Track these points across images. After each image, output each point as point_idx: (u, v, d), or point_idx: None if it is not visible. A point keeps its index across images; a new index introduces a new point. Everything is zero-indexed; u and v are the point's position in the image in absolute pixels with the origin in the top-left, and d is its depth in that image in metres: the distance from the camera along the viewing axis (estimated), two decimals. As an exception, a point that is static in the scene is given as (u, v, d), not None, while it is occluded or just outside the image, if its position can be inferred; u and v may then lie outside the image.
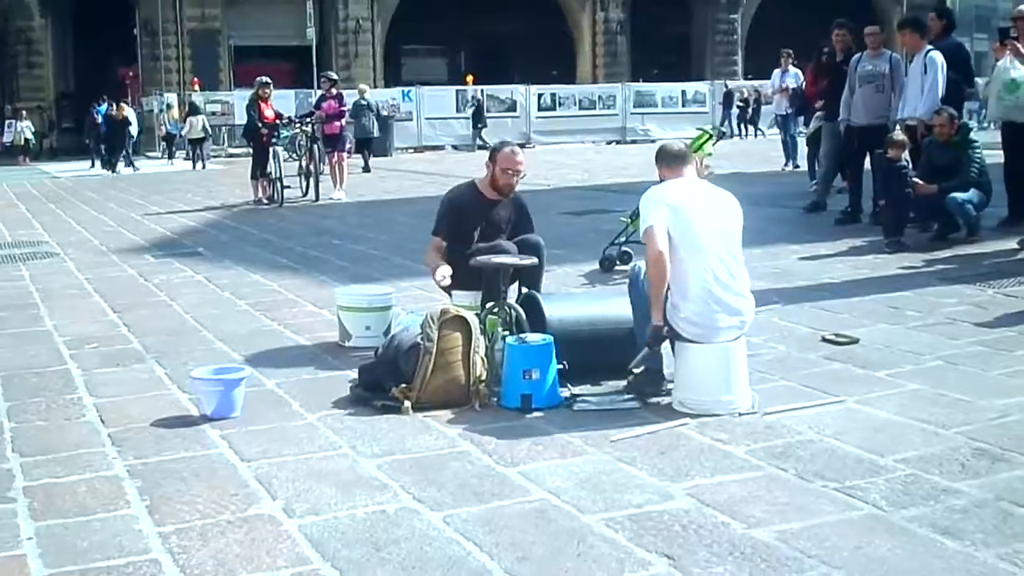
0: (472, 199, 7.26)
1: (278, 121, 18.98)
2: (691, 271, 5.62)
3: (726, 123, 39.49)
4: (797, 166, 19.75)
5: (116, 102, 34.30)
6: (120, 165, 31.97)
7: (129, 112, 33.92)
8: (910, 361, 6.45)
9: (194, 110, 33.65)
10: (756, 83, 43.16)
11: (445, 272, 6.92)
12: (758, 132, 38.95)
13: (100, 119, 34.17)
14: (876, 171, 11.61)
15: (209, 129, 33.24)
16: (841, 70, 13.21)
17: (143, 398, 6.16)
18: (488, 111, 39.92)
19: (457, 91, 41.20)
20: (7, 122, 41.94)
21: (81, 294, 9.86)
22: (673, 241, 5.63)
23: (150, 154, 38.26)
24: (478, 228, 7.17)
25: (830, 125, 13.76)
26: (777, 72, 20.77)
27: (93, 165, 33.55)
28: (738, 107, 41.17)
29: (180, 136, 33.95)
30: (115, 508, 4.47)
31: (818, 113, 14.72)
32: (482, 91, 39.98)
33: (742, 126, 40.84)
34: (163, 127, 37.81)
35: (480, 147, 36.39)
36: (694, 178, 6.02)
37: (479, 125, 37.53)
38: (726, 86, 42.94)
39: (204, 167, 31.02)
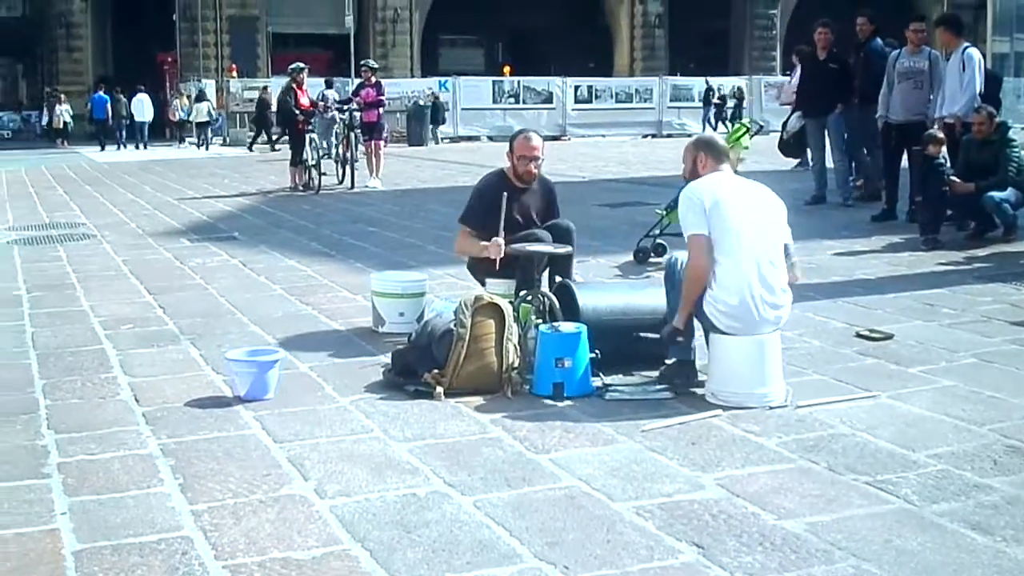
0: (502, 187, 7.28)
1: (314, 108, 19.03)
2: (732, 268, 5.57)
3: (704, 121, 39.19)
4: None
5: (264, 86, 35.05)
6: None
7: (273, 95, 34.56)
8: (944, 358, 6.42)
9: (201, 97, 35.90)
10: (739, 80, 43.08)
11: (498, 240, 6.85)
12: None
13: (91, 107, 36.69)
14: (913, 168, 11.57)
15: (214, 115, 34.26)
16: (824, 68, 13.54)
17: (177, 378, 6.21)
18: (524, 102, 39.96)
19: (494, 82, 41.22)
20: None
21: (117, 276, 9.93)
22: (712, 237, 5.62)
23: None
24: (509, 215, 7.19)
25: (814, 122, 13.97)
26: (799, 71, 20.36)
27: (103, 148, 34.90)
28: (715, 104, 40.80)
29: (189, 121, 35.15)
30: (148, 485, 4.51)
31: (796, 112, 14.65)
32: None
33: (719, 124, 40.36)
34: (176, 113, 38.57)
35: (434, 141, 36.08)
36: (731, 174, 5.97)
37: (437, 119, 36.96)
38: (707, 83, 42.50)
39: (207, 149, 32.20)
